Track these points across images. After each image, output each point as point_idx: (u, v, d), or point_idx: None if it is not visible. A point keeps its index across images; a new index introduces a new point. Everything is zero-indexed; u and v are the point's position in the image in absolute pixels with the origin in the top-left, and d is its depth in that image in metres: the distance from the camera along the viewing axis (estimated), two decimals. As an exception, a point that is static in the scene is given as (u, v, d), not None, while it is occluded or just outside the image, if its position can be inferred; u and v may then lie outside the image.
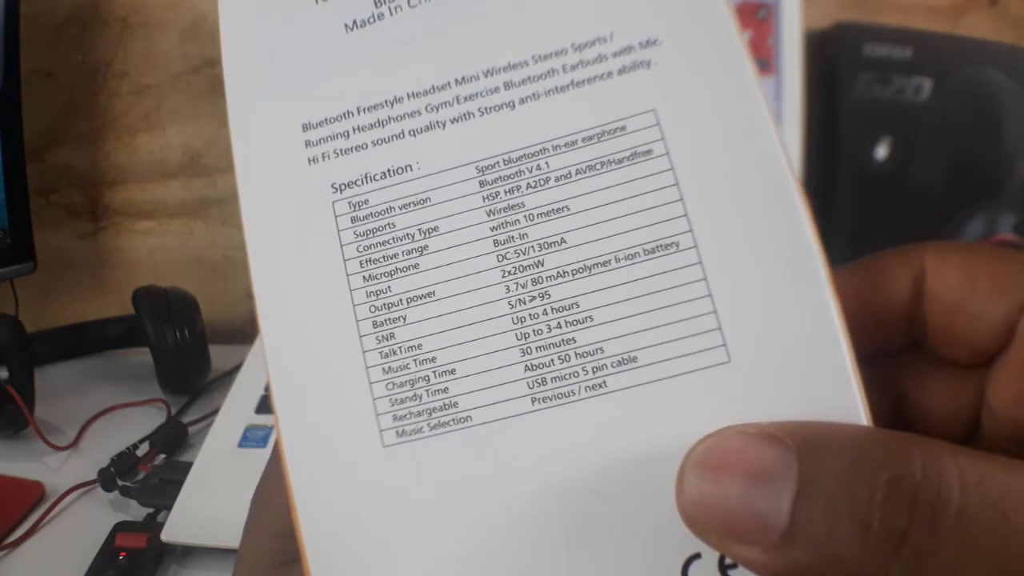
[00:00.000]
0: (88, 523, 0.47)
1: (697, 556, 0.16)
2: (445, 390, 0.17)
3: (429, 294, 0.18)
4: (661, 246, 0.17)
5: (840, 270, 0.18)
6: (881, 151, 0.56)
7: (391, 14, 0.19)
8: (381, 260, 0.18)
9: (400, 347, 0.18)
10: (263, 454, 0.46)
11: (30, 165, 0.62)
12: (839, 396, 0.16)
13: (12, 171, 0.59)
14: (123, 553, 0.43)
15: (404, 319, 0.18)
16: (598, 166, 0.18)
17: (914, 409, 0.19)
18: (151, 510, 0.47)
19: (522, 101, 0.18)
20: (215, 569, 0.43)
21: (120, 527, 0.45)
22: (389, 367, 0.18)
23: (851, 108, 0.56)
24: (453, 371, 0.17)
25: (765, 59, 0.52)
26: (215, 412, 0.52)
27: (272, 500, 0.19)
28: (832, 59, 0.56)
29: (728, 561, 0.16)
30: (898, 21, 0.61)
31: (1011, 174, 0.56)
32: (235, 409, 0.51)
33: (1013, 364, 0.17)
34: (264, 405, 0.51)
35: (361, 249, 0.18)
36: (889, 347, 0.19)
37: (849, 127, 0.57)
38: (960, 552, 0.13)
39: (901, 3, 0.64)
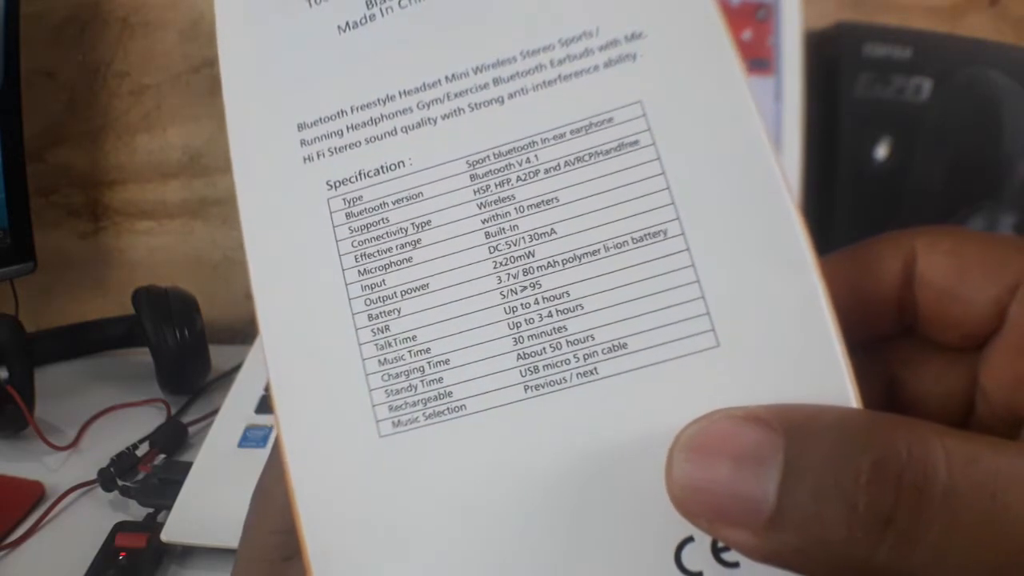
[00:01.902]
0: (88, 523, 0.47)
1: (690, 539, 0.16)
2: (439, 380, 0.17)
3: (423, 286, 0.18)
4: (649, 234, 0.17)
5: (831, 257, 0.18)
6: (881, 151, 0.56)
7: (382, 15, 0.19)
8: (375, 254, 0.18)
9: (395, 339, 0.18)
10: (263, 454, 0.46)
11: (30, 165, 0.62)
12: (828, 378, 0.16)
13: (12, 171, 0.59)
14: (123, 553, 0.43)
15: (399, 312, 0.18)
16: (586, 157, 0.18)
17: (908, 394, 0.19)
18: (151, 510, 0.47)
19: (511, 96, 0.18)
20: (215, 569, 0.43)
21: (120, 527, 0.45)
22: (385, 359, 0.18)
23: (851, 108, 0.56)
24: (447, 361, 0.17)
25: (765, 59, 0.52)
26: (215, 412, 0.52)
27: (272, 497, 0.19)
28: (832, 59, 0.56)
29: (721, 544, 0.16)
30: (898, 21, 0.61)
31: (1011, 174, 0.56)
32: (235, 409, 0.52)
33: (1005, 347, 0.17)
34: (264, 405, 0.51)
35: (356, 244, 0.18)
36: (881, 333, 0.19)
37: (849, 127, 0.56)
38: (947, 533, 0.13)
39: (901, 3, 0.64)
